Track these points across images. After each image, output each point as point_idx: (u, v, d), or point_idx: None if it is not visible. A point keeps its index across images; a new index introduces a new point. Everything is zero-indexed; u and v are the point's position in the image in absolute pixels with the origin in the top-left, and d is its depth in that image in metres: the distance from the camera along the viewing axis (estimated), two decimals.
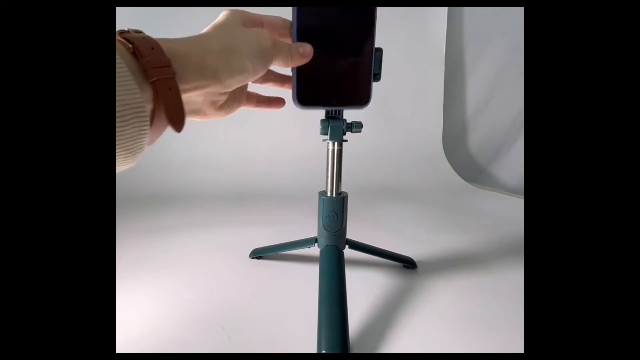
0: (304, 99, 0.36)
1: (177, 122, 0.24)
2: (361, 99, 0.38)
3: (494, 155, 1.51)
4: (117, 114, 0.20)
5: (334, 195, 0.44)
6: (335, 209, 0.44)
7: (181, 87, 0.24)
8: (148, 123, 0.22)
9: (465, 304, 0.46)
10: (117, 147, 0.20)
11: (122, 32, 0.23)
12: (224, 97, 0.33)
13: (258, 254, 0.59)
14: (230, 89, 0.29)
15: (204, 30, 0.29)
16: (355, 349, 0.37)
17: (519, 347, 0.37)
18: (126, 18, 1.15)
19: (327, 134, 0.41)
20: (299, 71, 0.34)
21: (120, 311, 0.42)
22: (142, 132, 0.22)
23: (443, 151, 1.41)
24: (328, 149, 0.43)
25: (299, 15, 0.33)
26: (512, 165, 1.46)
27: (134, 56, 0.22)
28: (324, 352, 0.33)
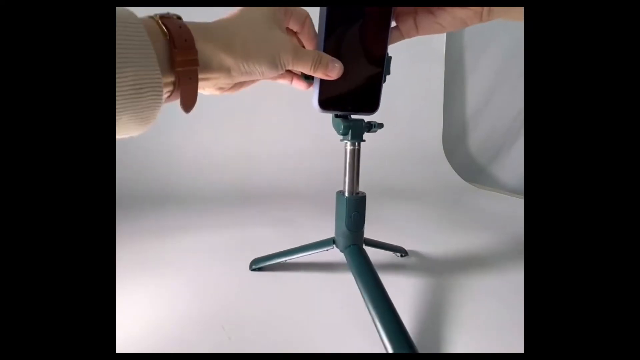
0: (325, 102, 0.36)
1: (189, 106, 0.28)
2: (372, 106, 0.39)
3: (494, 155, 1.51)
4: (135, 88, 0.22)
5: (356, 195, 0.44)
6: (358, 208, 0.44)
7: (199, 76, 0.27)
8: (162, 99, 0.24)
9: (465, 303, 0.46)
10: (132, 114, 0.23)
11: (163, 16, 0.25)
12: (230, 85, 0.35)
13: (261, 263, 0.55)
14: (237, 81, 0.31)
15: (234, 12, 0.30)
16: (357, 349, 0.37)
17: (519, 347, 0.37)
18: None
19: (347, 134, 0.41)
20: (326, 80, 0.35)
21: (120, 311, 0.42)
22: (156, 105, 0.24)
23: (443, 151, 1.41)
24: (347, 149, 0.43)
25: (328, 16, 0.33)
26: (512, 165, 1.47)
27: (168, 42, 0.25)
28: (391, 352, 0.33)
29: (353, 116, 0.42)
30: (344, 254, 0.44)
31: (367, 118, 0.42)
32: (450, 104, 1.50)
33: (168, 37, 0.25)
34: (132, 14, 0.23)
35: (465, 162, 1.48)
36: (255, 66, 0.29)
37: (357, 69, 0.36)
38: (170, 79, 0.26)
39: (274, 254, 0.55)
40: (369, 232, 0.49)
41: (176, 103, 0.28)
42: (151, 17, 0.26)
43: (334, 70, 0.33)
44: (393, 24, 0.36)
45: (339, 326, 0.41)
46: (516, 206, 0.99)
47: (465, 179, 1.31)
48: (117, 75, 0.21)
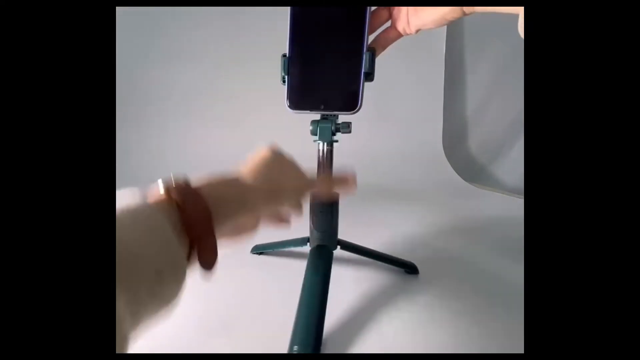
0: (294, 102, 0.36)
1: (210, 267, 0.24)
2: (350, 104, 0.37)
3: (494, 155, 1.51)
4: (158, 275, 0.20)
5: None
6: (324, 208, 0.43)
7: (218, 232, 0.24)
8: (185, 278, 0.22)
9: (465, 304, 0.46)
10: (159, 304, 0.21)
11: (168, 185, 0.23)
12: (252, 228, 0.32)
13: (259, 250, 0.60)
14: None
15: (249, 167, 0.30)
16: (364, 349, 0.37)
17: (519, 347, 0.37)
18: (127, 17, 1.15)
19: (316, 135, 0.41)
20: (291, 74, 0.34)
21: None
22: (179, 287, 0.22)
23: (443, 151, 1.41)
24: (318, 149, 0.43)
25: (292, 16, 0.33)
26: (512, 165, 1.46)
27: (179, 210, 0.23)
28: (295, 348, 0.34)
29: (342, 116, 0.41)
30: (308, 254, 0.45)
31: (350, 118, 0.39)
32: (450, 104, 1.50)
33: (177, 205, 0.23)
34: (140, 206, 0.21)
35: (465, 162, 1.48)
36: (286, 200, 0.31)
37: (330, 67, 0.35)
38: (186, 245, 0.23)
39: (269, 243, 0.59)
40: (365, 233, 0.49)
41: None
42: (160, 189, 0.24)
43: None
44: (388, 24, 0.36)
45: (343, 327, 0.40)
46: (516, 206, 0.99)
47: (465, 179, 1.31)
48: (138, 274, 0.19)
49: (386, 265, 0.54)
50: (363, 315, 0.43)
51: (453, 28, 1.45)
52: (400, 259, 0.54)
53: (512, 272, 0.55)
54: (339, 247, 0.47)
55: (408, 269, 0.53)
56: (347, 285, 0.48)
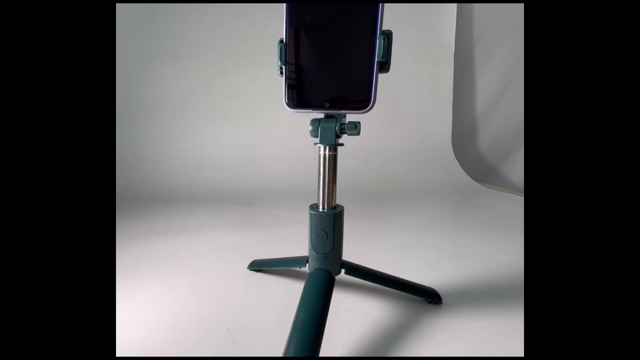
0: (293, 100, 0.32)
1: None
2: (360, 101, 0.32)
3: (504, 155, 1.49)
4: None
5: (325, 210, 0.36)
6: (325, 226, 0.36)
7: None
8: None
9: (467, 304, 0.45)
10: None
11: None
12: None
13: (256, 266, 0.55)
14: None
15: None
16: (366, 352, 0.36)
17: (518, 350, 0.36)
18: (127, 15, 1.16)
19: (317, 137, 0.35)
20: (289, 70, 0.31)
21: (121, 314, 0.42)
22: None
23: (452, 151, 1.40)
24: (319, 154, 0.36)
25: (288, 10, 0.30)
26: (522, 164, 1.44)
27: None
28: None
29: (350, 115, 0.35)
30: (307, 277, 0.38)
31: (359, 117, 0.34)
32: (460, 103, 1.49)
33: None
34: None
35: (475, 161, 1.47)
36: None
37: (336, 56, 0.31)
38: None
39: (265, 260, 0.55)
40: (373, 236, 0.47)
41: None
42: None
43: None
44: None
45: (347, 330, 0.40)
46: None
47: (475, 179, 1.30)
48: None
49: (402, 293, 0.46)
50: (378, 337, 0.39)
51: (462, 25, 1.44)
52: (419, 286, 0.45)
53: (520, 273, 0.54)
54: (343, 270, 0.40)
55: (429, 297, 0.45)
56: (352, 319, 0.42)
